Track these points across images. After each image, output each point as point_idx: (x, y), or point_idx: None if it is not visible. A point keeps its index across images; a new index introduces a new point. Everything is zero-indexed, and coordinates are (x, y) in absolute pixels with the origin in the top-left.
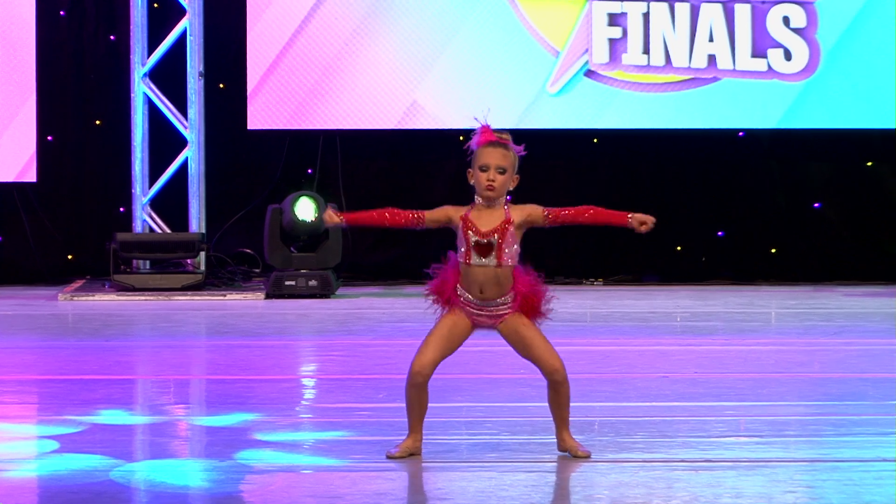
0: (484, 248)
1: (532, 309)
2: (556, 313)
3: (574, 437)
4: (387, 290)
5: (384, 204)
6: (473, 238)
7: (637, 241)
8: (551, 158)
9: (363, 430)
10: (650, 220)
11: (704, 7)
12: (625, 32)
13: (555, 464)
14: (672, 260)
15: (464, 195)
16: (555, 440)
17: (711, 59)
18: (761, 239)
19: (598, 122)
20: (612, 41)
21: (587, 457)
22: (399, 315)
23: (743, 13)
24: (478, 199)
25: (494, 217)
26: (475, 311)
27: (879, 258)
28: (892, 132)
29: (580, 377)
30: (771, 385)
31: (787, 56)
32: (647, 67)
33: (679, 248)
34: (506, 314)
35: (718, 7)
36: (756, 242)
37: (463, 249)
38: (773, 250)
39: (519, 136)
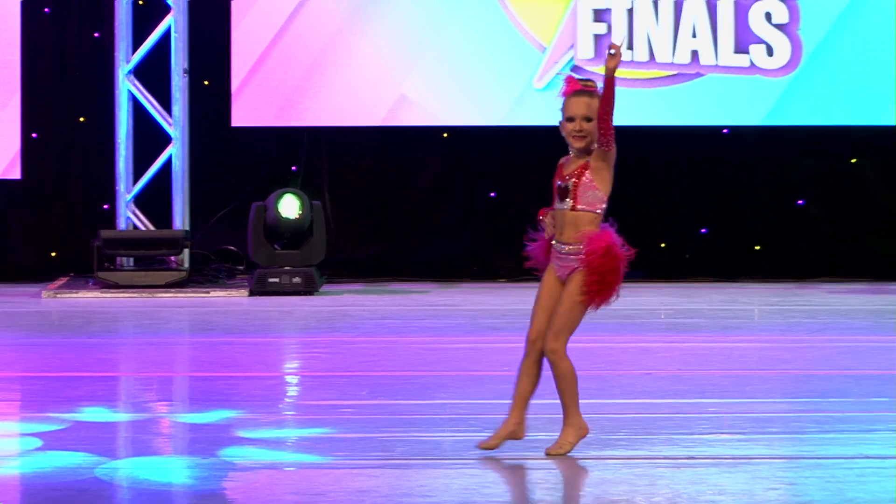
0: (562, 192)
1: (594, 268)
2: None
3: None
4: (370, 287)
5: (369, 199)
6: (557, 182)
7: (622, 237)
8: (537, 154)
9: (346, 427)
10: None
11: (687, 3)
12: (610, 28)
13: (538, 461)
14: (656, 257)
15: (448, 190)
16: (537, 437)
17: (694, 54)
18: (745, 236)
19: None
20: (597, 37)
21: (559, 454)
22: (383, 312)
23: (725, 9)
24: (571, 149)
25: (578, 161)
26: (557, 261)
27: (863, 255)
28: (876, 129)
29: None
30: (754, 382)
31: (770, 52)
32: (631, 63)
33: (663, 245)
34: (574, 267)
35: (701, 3)
36: (740, 239)
37: (553, 192)
38: (757, 247)
39: (505, 131)
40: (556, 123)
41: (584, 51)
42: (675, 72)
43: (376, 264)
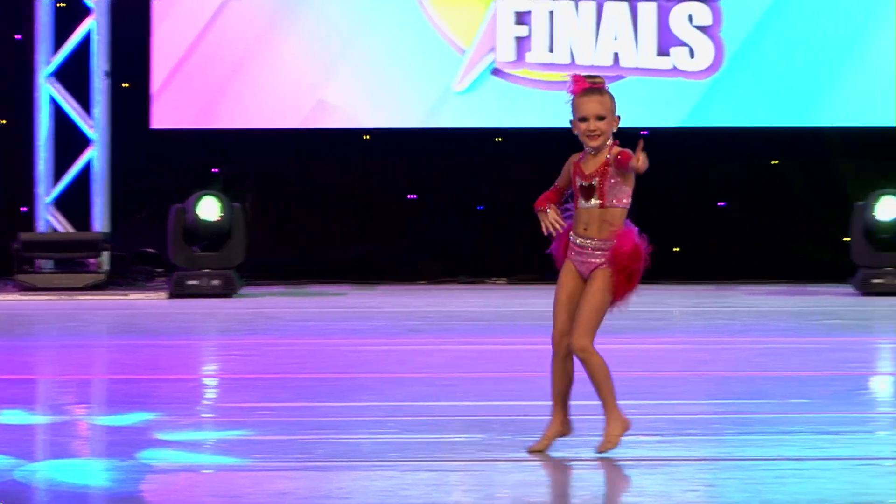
0: (587, 191)
1: (622, 265)
2: (461, 313)
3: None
4: (290, 290)
5: (290, 201)
6: (579, 182)
7: (540, 240)
8: (457, 156)
9: (266, 429)
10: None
11: (609, 5)
12: (531, 31)
13: (457, 463)
14: None
15: (368, 192)
16: (457, 439)
17: (616, 57)
18: (665, 237)
19: (504, 121)
20: (518, 39)
21: (604, 451)
22: (303, 314)
23: (647, 11)
24: (585, 147)
25: (597, 160)
26: (578, 257)
27: (783, 257)
28: (798, 130)
29: (485, 377)
30: (674, 383)
31: (692, 54)
32: (552, 66)
33: None
34: (599, 264)
35: (623, 5)
36: (660, 241)
37: (573, 193)
38: (677, 249)
39: (425, 134)
40: (466, 127)
41: (505, 53)
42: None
43: (296, 266)
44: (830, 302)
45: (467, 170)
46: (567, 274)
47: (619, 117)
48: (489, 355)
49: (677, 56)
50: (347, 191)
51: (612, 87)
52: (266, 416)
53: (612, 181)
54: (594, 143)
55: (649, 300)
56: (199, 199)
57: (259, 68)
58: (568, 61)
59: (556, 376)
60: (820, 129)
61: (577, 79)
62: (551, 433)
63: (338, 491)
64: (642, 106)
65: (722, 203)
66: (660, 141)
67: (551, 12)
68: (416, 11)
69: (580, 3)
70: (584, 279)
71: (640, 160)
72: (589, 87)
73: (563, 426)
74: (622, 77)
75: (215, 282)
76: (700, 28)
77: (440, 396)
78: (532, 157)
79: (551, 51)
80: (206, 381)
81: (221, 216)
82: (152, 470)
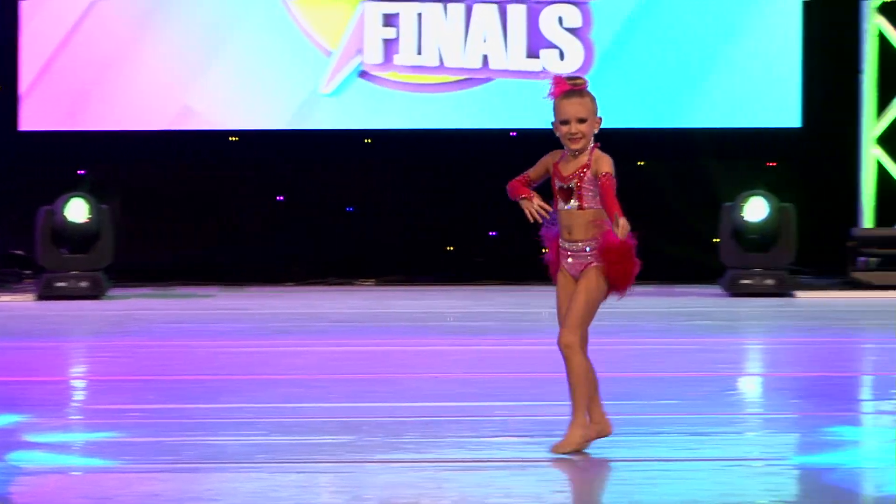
0: (565, 193)
1: (612, 259)
2: (329, 315)
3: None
4: (158, 291)
5: (158, 204)
6: (558, 184)
7: (409, 241)
8: (324, 158)
9: (135, 431)
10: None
11: (478, 8)
12: (399, 33)
13: (326, 464)
14: (445, 260)
15: (236, 194)
16: (326, 441)
17: (485, 59)
18: (534, 239)
19: (372, 123)
20: (386, 42)
21: (559, 452)
22: (171, 316)
23: (517, 14)
24: (566, 149)
25: (577, 162)
26: (568, 259)
27: (652, 258)
28: (665, 131)
29: (353, 378)
30: (542, 385)
31: (562, 56)
32: (421, 68)
33: (452, 248)
34: (588, 264)
35: (493, 7)
36: (529, 242)
37: (554, 194)
38: (545, 250)
39: (293, 135)
40: (333, 128)
41: (373, 55)
42: (465, 76)
43: (164, 268)
44: (699, 303)
45: (336, 171)
46: (563, 279)
47: (600, 118)
48: (358, 357)
49: (547, 58)
50: (216, 192)
51: (480, 90)
52: (135, 418)
53: (589, 184)
54: (576, 146)
55: (519, 302)
56: (67, 200)
57: (127, 70)
58: (436, 64)
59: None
60: (688, 130)
61: (557, 80)
62: (593, 434)
63: (207, 493)
64: (510, 107)
65: None
66: (527, 142)
67: (419, 14)
68: (282, 14)
69: (449, 5)
70: (577, 280)
71: (622, 229)
72: (570, 89)
73: (603, 426)
74: (491, 79)
75: (83, 283)
76: (570, 30)
77: (309, 398)
78: (401, 158)
79: (420, 53)
80: (75, 382)
81: (89, 218)
82: (21, 472)
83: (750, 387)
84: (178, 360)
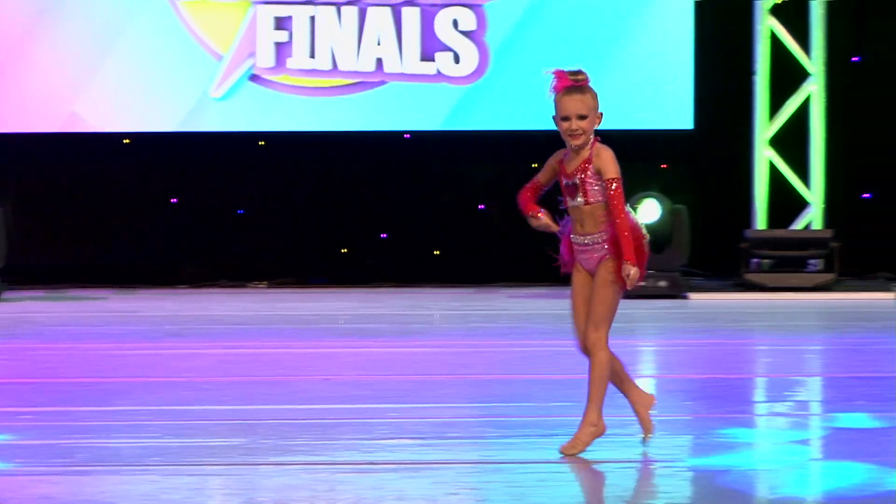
0: (571, 189)
1: (623, 249)
2: (222, 317)
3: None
4: (51, 294)
5: (50, 206)
6: (564, 181)
7: (302, 244)
8: (215, 160)
9: (26, 434)
10: (634, 279)
11: (372, 11)
12: (291, 36)
13: (219, 467)
14: (337, 262)
15: (129, 196)
16: (218, 443)
17: (379, 62)
18: (426, 240)
19: (264, 126)
20: (278, 45)
21: (565, 454)
22: (64, 318)
23: (411, 17)
24: (567, 145)
25: (579, 158)
26: (583, 255)
27: (543, 260)
28: (555, 133)
29: (246, 380)
30: (435, 387)
31: (457, 59)
32: (314, 72)
33: (344, 250)
34: (603, 256)
35: (387, 10)
36: (420, 244)
37: (562, 192)
38: (437, 252)
39: (186, 138)
40: (224, 131)
41: (265, 59)
42: (358, 80)
43: (57, 270)
44: None
45: (228, 174)
46: (578, 275)
47: (601, 114)
48: (250, 359)
49: (442, 61)
50: (108, 194)
51: (374, 93)
52: (27, 421)
53: (592, 179)
54: (576, 143)
55: (410, 303)
56: None
57: (17, 73)
58: (330, 67)
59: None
60: None
61: (559, 75)
62: (643, 419)
63: (100, 495)
64: (404, 110)
65: (482, 206)
66: (421, 144)
67: (312, 17)
68: (172, 18)
69: (343, 8)
70: (593, 275)
71: (630, 280)
72: (571, 84)
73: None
74: (385, 83)
75: None
76: (465, 33)
77: (201, 400)
78: (293, 161)
79: (312, 56)
80: None
81: None
82: None
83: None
84: (71, 362)
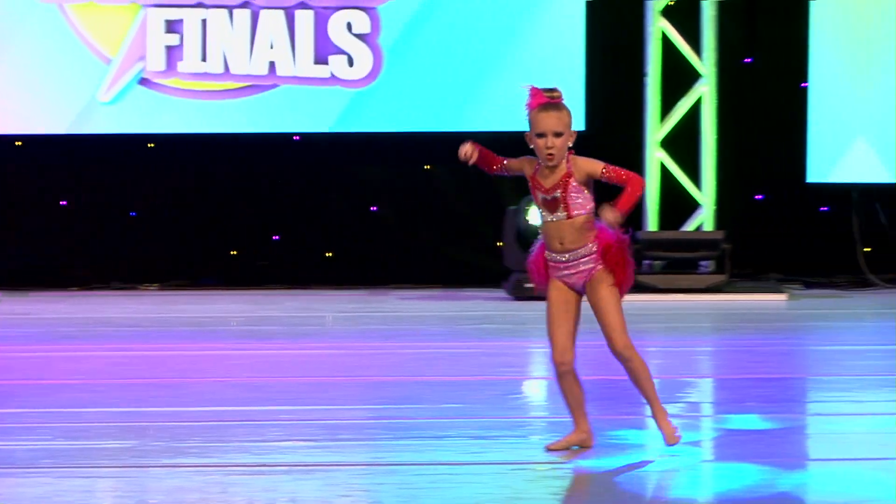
0: (550, 204)
1: (616, 260)
2: (114, 319)
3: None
4: None
5: None
6: (541, 196)
7: (193, 246)
8: (104, 163)
9: None
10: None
11: (265, 14)
12: (182, 39)
13: (111, 469)
14: (228, 264)
15: (20, 199)
16: (110, 446)
17: (272, 66)
18: (318, 242)
19: (155, 128)
20: (169, 48)
21: (674, 443)
22: None
23: (304, 19)
24: (541, 161)
25: (557, 173)
26: (565, 271)
27: (437, 261)
28: (448, 135)
29: (135, 383)
30: (327, 389)
31: (350, 62)
32: (205, 75)
33: (235, 252)
34: (592, 269)
35: (280, 13)
36: (312, 246)
37: (537, 207)
38: (330, 254)
39: (74, 140)
40: (113, 133)
41: (155, 63)
42: (250, 83)
43: None
44: (483, 306)
45: (119, 176)
46: (556, 291)
47: (575, 133)
48: (142, 361)
49: (336, 64)
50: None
51: (265, 96)
52: None
53: (574, 193)
54: (551, 162)
55: (302, 305)
56: None
57: None
58: (221, 70)
59: (568, 392)
60: (470, 133)
61: (535, 92)
62: (574, 439)
63: None
64: (296, 112)
65: (374, 208)
66: (312, 146)
67: (204, 20)
68: (60, 21)
69: (235, 11)
70: (578, 290)
71: (612, 217)
72: (547, 101)
73: (586, 436)
74: (277, 86)
75: None
76: (359, 36)
77: (93, 403)
78: (185, 163)
79: (204, 60)
80: None
81: None
82: None
83: (535, 390)
84: None
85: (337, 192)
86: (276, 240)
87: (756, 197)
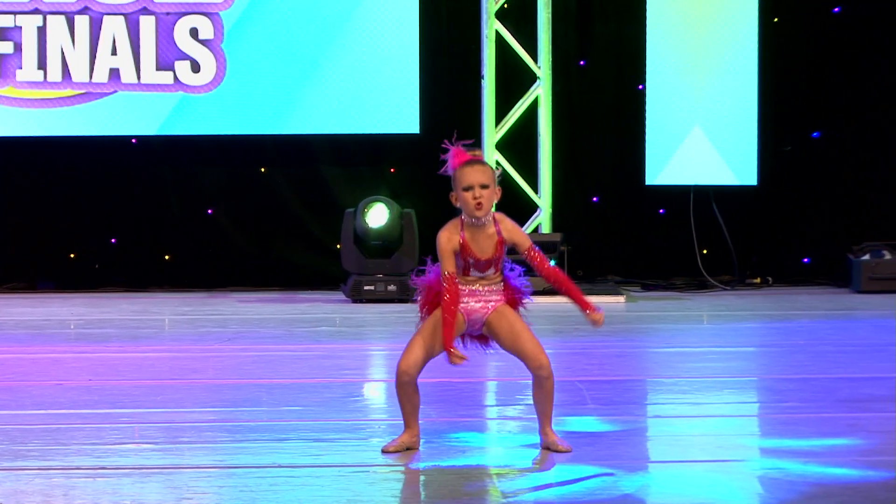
0: (483, 266)
1: (516, 302)
2: None
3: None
4: None
5: None
6: (471, 260)
7: (30, 248)
8: None
9: None
10: (601, 320)
11: (107, 20)
12: (18, 47)
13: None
14: (66, 267)
15: None
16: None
17: (114, 72)
18: (155, 245)
19: None
20: (3, 57)
21: (568, 451)
22: None
23: (148, 26)
24: (466, 218)
25: (488, 239)
26: (472, 297)
27: (273, 264)
28: (284, 137)
29: None
30: (166, 391)
31: (195, 68)
32: (44, 84)
33: (72, 255)
34: (497, 301)
35: (121, 20)
36: (149, 249)
37: (463, 266)
38: (167, 256)
39: None
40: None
41: None
42: (90, 90)
43: None
44: (322, 309)
45: None
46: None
47: (500, 189)
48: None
49: (181, 70)
50: None
51: (105, 101)
52: None
53: (503, 253)
54: (480, 213)
55: (140, 308)
56: None
57: None
58: (61, 79)
59: (407, 399)
60: (308, 136)
61: (457, 153)
62: (403, 442)
63: None
64: (132, 116)
65: (210, 210)
66: (149, 149)
67: (41, 28)
68: None
69: (75, 17)
70: (475, 319)
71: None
72: (471, 159)
73: (413, 438)
74: (117, 91)
75: None
76: (203, 42)
77: None
78: (21, 166)
79: (41, 68)
80: None
81: None
82: None
83: (374, 393)
84: None
85: (174, 193)
86: (113, 242)
87: (594, 199)
